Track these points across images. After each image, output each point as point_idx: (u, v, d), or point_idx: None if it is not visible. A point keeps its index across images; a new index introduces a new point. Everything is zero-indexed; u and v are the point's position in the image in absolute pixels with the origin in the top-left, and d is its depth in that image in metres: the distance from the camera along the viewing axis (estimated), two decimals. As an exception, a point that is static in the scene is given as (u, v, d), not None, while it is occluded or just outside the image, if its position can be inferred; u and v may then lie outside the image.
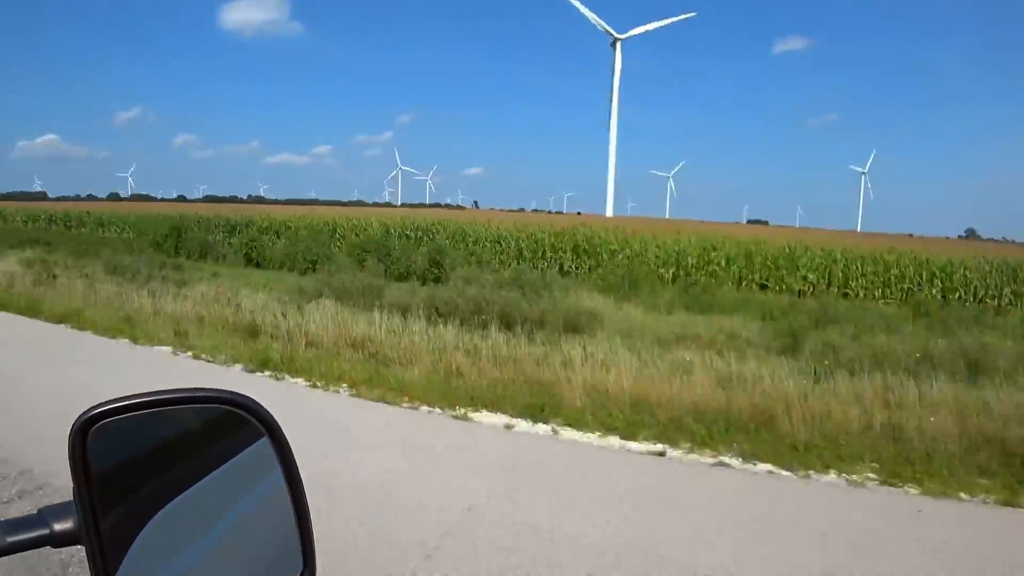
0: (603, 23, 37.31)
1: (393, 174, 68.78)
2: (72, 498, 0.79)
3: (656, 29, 39.04)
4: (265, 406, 0.94)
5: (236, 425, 0.93)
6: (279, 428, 0.96)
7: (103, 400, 0.84)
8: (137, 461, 0.89)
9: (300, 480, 0.96)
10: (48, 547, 0.78)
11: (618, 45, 38.35)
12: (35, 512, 0.79)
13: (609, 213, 34.84)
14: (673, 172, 62.22)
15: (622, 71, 38.84)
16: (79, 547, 0.78)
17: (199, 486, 0.91)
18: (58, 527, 0.78)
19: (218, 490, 0.94)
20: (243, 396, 0.93)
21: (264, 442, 0.95)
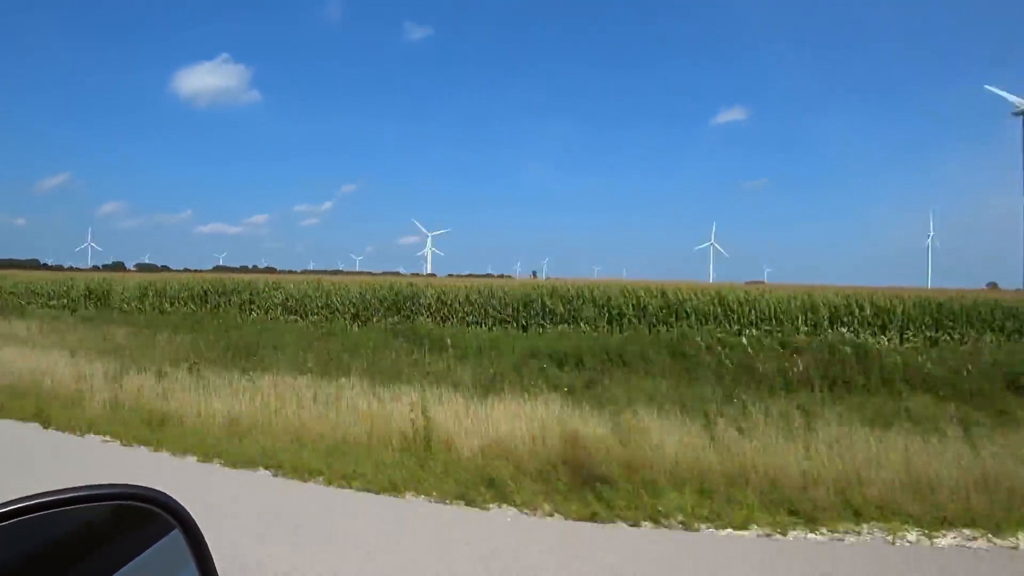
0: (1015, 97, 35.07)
1: (426, 245, 65.24)
2: None
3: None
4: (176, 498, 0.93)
5: (143, 519, 0.91)
6: (191, 519, 0.93)
7: None
8: (35, 566, 0.85)
9: (215, 573, 0.94)
10: None
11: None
12: None
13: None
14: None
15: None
16: None
17: None
18: None
19: None
20: (149, 489, 0.91)
21: (175, 535, 0.92)
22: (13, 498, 0.80)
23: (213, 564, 0.94)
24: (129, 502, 0.90)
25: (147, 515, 0.90)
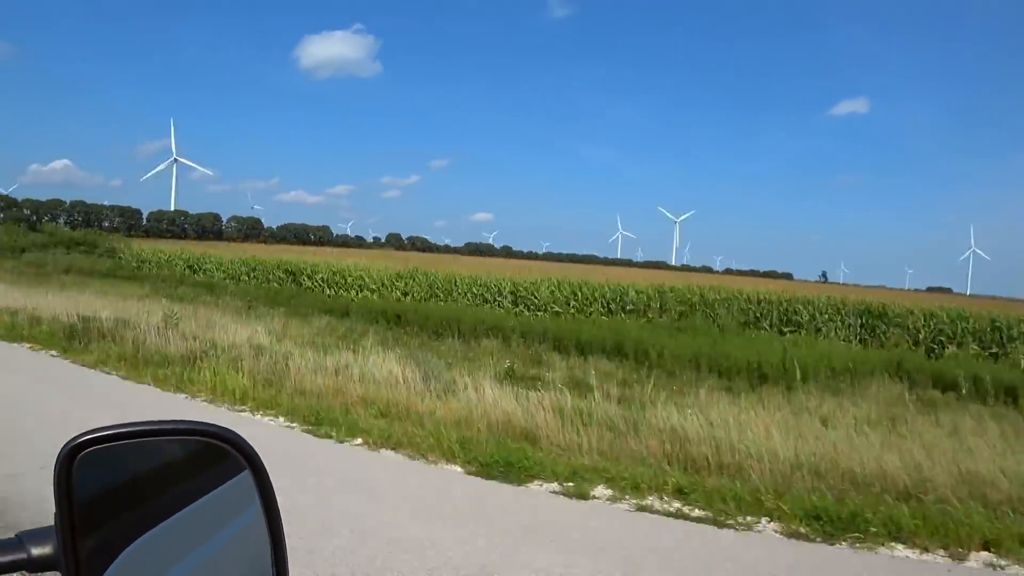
0: None
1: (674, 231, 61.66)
2: (53, 523, 0.81)
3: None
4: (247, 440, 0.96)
5: (218, 458, 0.95)
6: (261, 462, 0.96)
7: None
8: (120, 489, 0.91)
9: (279, 516, 0.97)
10: (24, 572, 0.80)
11: None
12: (13, 536, 0.81)
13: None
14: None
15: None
16: (56, 573, 0.80)
17: (178, 516, 0.92)
18: (36, 551, 0.80)
19: (197, 520, 0.95)
20: (226, 430, 0.94)
21: (245, 475, 0.96)
22: (102, 425, 0.85)
23: (278, 507, 0.97)
24: (206, 439, 0.94)
25: (222, 454, 0.94)
